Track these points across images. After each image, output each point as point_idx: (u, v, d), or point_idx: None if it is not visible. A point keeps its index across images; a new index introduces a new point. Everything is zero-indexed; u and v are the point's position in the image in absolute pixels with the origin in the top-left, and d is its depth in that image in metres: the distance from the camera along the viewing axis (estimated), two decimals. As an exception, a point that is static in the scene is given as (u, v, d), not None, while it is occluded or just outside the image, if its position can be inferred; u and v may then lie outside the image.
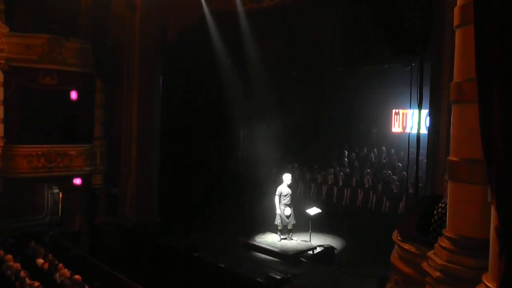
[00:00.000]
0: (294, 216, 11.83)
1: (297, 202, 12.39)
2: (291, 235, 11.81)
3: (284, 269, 10.22)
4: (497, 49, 2.89)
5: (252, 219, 12.49)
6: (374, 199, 12.03)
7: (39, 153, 13.76)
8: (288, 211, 11.60)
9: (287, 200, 11.63)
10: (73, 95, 14.52)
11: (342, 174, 13.46)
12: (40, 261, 9.76)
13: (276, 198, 11.60)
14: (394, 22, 9.08)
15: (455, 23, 4.19)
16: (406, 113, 15.39)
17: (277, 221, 11.71)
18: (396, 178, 11.89)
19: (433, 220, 5.09)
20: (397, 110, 16.00)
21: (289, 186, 11.76)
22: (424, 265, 4.29)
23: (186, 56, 13.87)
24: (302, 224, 11.91)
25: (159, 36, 14.42)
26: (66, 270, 9.05)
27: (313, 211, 11.61)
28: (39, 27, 13.86)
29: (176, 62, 14.34)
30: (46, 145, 13.91)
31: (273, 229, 12.13)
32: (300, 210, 11.84)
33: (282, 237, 11.79)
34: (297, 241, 11.71)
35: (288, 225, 11.71)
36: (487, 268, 3.40)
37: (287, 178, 11.76)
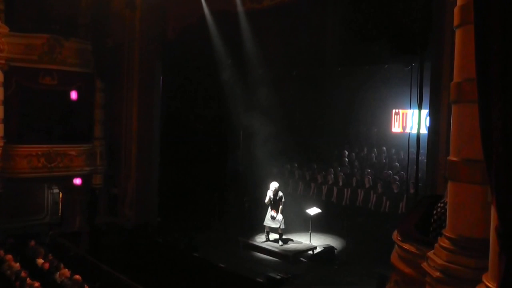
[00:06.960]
0: (293, 218, 11.75)
1: (297, 202, 12.40)
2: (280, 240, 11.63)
3: (284, 269, 10.22)
4: (497, 49, 2.88)
5: (252, 219, 12.48)
6: (374, 199, 12.03)
7: (39, 153, 13.77)
8: (273, 213, 11.50)
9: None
10: (73, 95, 14.54)
11: (342, 174, 13.45)
12: (40, 261, 9.77)
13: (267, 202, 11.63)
14: (394, 22, 9.08)
15: (455, 23, 4.18)
16: (406, 113, 15.38)
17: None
18: (397, 178, 11.90)
19: (433, 220, 5.09)
20: (397, 110, 15.99)
21: (275, 192, 11.55)
22: (424, 265, 4.29)
23: (186, 56, 13.86)
24: (302, 224, 11.91)
25: (159, 36, 14.42)
26: (66, 270, 9.06)
27: (313, 211, 11.60)
28: (39, 27, 13.87)
29: (176, 62, 14.33)
30: (46, 145, 13.92)
31: (273, 229, 12.12)
32: (300, 210, 11.83)
33: (265, 238, 11.75)
34: (281, 245, 11.53)
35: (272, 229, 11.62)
36: (487, 268, 3.39)
37: (272, 186, 11.64)
